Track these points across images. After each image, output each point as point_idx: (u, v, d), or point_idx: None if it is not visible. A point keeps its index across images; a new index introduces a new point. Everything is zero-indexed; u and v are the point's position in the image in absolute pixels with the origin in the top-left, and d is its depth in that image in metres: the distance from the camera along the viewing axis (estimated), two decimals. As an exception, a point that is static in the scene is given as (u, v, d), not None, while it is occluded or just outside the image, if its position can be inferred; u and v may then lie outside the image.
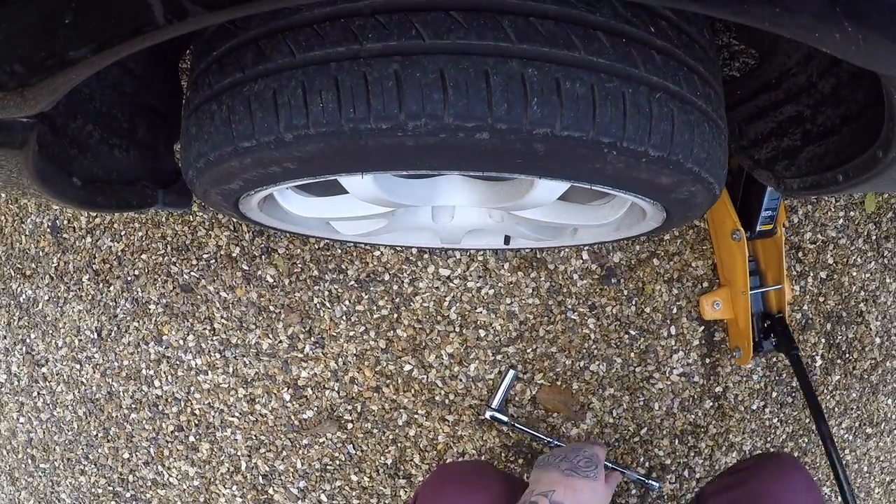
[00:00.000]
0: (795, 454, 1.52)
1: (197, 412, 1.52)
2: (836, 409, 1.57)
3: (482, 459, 1.38)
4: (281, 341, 1.46)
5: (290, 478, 1.53)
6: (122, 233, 1.47)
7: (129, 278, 1.48)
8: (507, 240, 1.30)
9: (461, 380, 1.47)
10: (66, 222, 1.49)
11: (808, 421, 1.56)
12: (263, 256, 1.43)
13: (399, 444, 1.50)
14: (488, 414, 1.36)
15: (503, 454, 1.50)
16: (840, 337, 1.53)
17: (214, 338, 1.47)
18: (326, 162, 0.69)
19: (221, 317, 1.46)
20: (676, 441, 1.51)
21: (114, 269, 1.48)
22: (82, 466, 1.61)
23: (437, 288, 1.43)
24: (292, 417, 1.50)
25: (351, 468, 1.52)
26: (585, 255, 1.43)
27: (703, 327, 1.48)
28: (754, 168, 1.01)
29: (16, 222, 1.52)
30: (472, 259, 1.43)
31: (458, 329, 1.45)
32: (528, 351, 1.46)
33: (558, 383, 1.47)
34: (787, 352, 1.37)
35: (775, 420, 1.54)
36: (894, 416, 1.62)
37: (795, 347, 1.36)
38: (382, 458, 1.50)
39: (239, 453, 1.53)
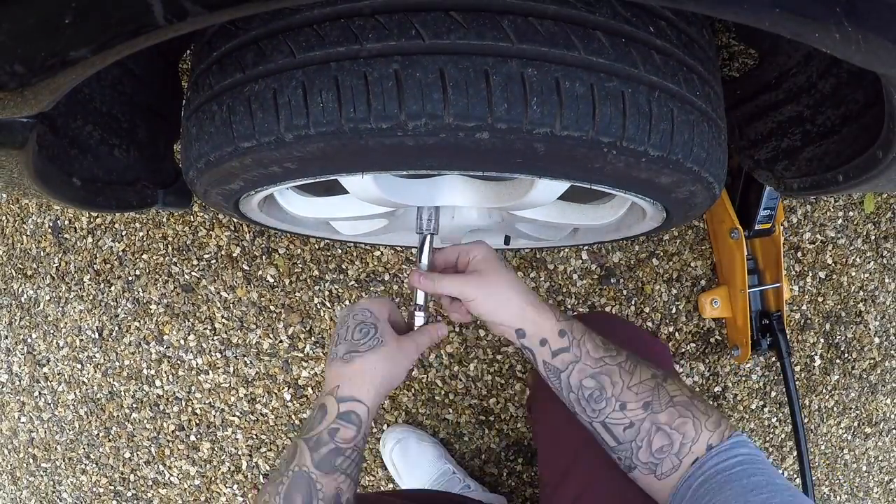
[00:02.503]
0: (794, 454, 1.52)
1: (198, 412, 1.52)
2: (835, 409, 1.57)
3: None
4: (281, 341, 1.47)
5: (290, 477, 1.53)
6: (123, 233, 1.47)
7: (130, 278, 1.48)
8: (507, 240, 1.30)
9: (461, 379, 1.47)
10: (67, 222, 1.49)
11: (806, 421, 1.56)
12: (264, 256, 1.43)
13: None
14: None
15: (503, 454, 1.50)
16: (839, 337, 1.53)
17: (215, 337, 1.48)
18: (327, 162, 0.69)
19: (222, 316, 1.46)
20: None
21: (115, 269, 1.49)
22: (83, 466, 1.61)
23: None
24: (293, 417, 1.50)
25: (351, 467, 1.52)
26: (585, 255, 1.43)
27: (702, 327, 1.48)
28: (754, 168, 1.01)
29: (17, 222, 1.53)
30: (472, 259, 1.43)
31: (457, 329, 1.45)
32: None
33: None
34: (777, 354, 1.39)
35: (774, 420, 1.54)
36: (893, 416, 1.62)
37: (788, 353, 1.37)
38: (382, 457, 1.50)
39: (240, 452, 1.53)
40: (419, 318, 0.82)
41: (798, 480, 1.52)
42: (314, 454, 0.68)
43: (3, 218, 1.54)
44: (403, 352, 0.75)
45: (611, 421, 0.71)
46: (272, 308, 1.45)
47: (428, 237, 0.86)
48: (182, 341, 1.49)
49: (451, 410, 1.48)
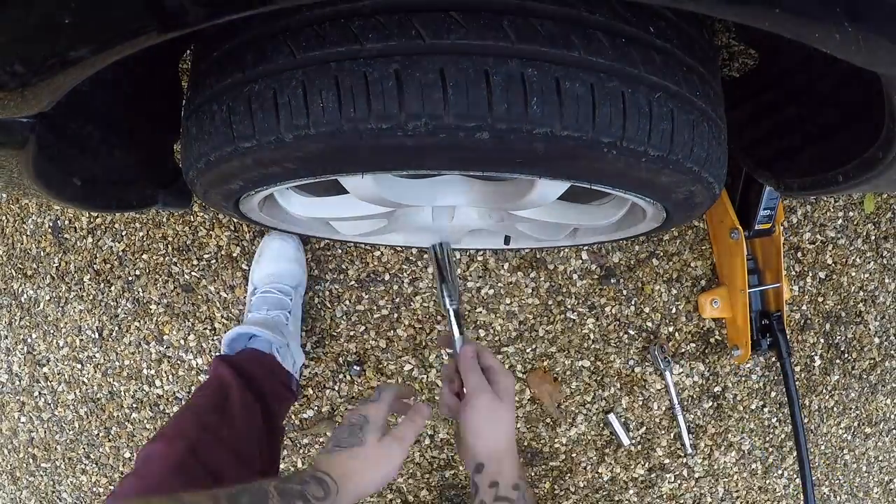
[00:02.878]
0: (794, 454, 1.52)
1: (197, 412, 1.52)
2: (835, 409, 1.57)
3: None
4: (281, 341, 1.47)
5: (290, 477, 1.53)
6: (123, 233, 1.47)
7: (130, 278, 1.48)
8: (507, 240, 1.30)
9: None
10: (67, 222, 1.49)
11: (806, 421, 1.56)
12: (263, 256, 1.43)
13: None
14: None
15: (503, 454, 1.50)
16: (839, 337, 1.53)
17: (215, 337, 1.47)
18: (326, 162, 0.69)
19: (222, 316, 1.46)
20: (676, 441, 1.51)
21: (115, 269, 1.49)
22: (83, 466, 1.61)
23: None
24: (293, 417, 1.50)
25: (351, 468, 1.52)
26: (585, 255, 1.43)
27: (702, 327, 1.48)
28: (754, 168, 1.01)
29: (17, 222, 1.53)
30: (472, 259, 1.43)
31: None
32: (528, 351, 1.46)
33: (553, 375, 1.47)
34: (777, 354, 1.39)
35: (774, 420, 1.54)
36: (893, 416, 1.62)
37: (788, 353, 1.37)
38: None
39: (239, 453, 1.53)
40: (457, 341, 0.85)
41: (798, 480, 1.52)
42: (280, 484, 0.68)
43: (3, 218, 1.54)
44: (384, 450, 0.75)
45: None
46: (272, 308, 1.45)
47: (453, 311, 0.88)
48: (182, 341, 1.49)
49: (451, 410, 1.48)
